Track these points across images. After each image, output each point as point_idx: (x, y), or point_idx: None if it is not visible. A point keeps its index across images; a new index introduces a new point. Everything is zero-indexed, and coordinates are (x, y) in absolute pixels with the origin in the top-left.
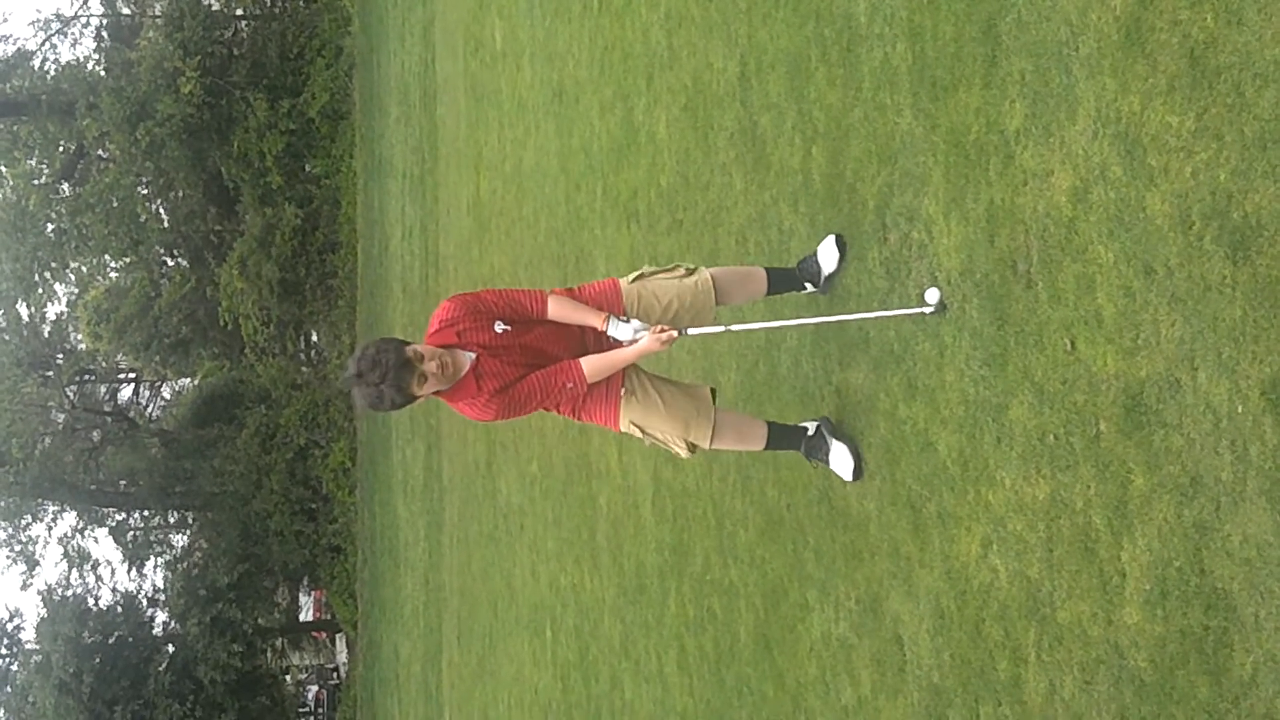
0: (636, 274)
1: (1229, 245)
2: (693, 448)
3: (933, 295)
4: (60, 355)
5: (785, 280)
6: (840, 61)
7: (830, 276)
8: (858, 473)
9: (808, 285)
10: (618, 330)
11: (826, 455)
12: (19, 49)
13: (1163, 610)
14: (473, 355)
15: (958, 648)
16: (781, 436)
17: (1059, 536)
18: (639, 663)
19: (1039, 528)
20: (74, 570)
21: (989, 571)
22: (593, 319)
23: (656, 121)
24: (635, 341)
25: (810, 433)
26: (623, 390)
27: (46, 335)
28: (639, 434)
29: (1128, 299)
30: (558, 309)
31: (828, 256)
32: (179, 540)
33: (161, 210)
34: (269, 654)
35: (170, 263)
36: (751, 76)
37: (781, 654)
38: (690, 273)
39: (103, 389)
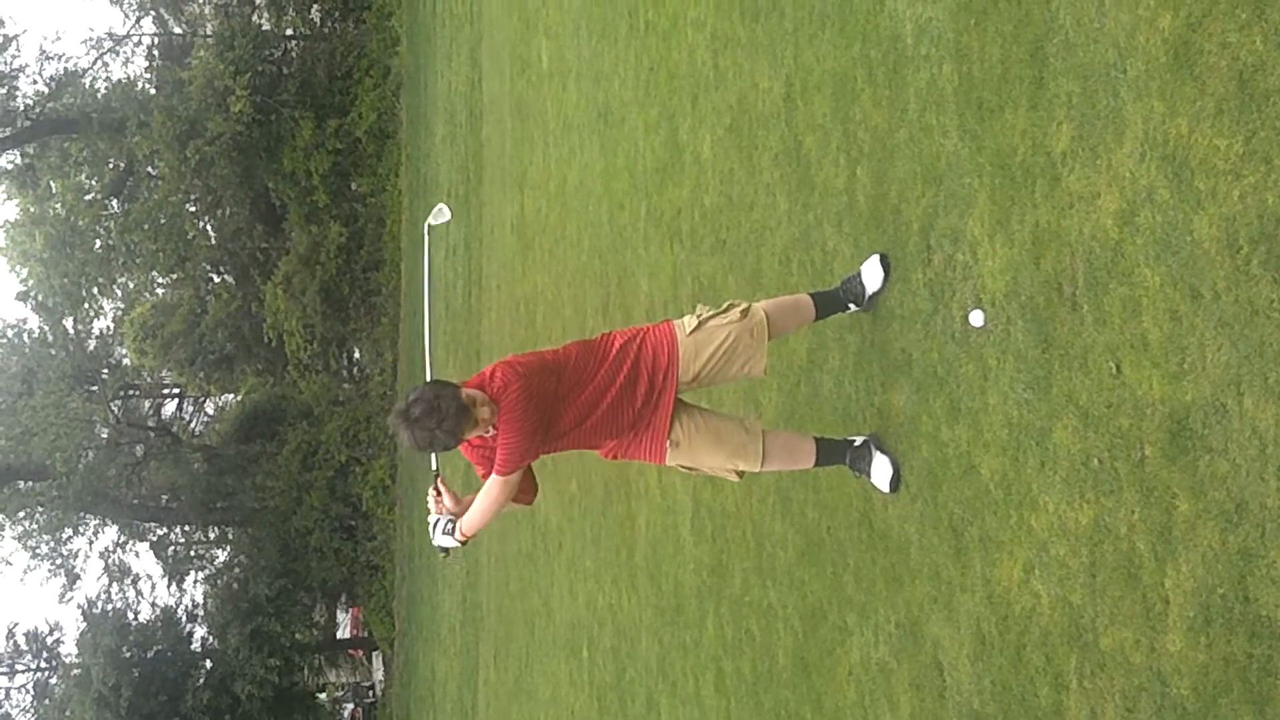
0: (695, 321)
1: (1277, 269)
2: (742, 474)
3: (977, 317)
4: (105, 370)
5: (831, 303)
6: (886, 83)
7: (875, 295)
8: (895, 484)
9: (851, 305)
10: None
11: (869, 467)
12: (71, 67)
13: (1206, 637)
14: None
15: (998, 674)
16: (829, 451)
17: (1102, 562)
18: (676, 684)
19: (1082, 553)
20: (114, 584)
21: (1031, 597)
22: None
23: (701, 142)
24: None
25: (856, 444)
26: (668, 443)
27: (92, 350)
28: (686, 471)
29: (1174, 323)
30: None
31: (872, 276)
32: (219, 556)
33: (209, 227)
34: (306, 671)
35: (216, 279)
36: (797, 97)
37: (820, 677)
38: (744, 313)
39: (146, 404)
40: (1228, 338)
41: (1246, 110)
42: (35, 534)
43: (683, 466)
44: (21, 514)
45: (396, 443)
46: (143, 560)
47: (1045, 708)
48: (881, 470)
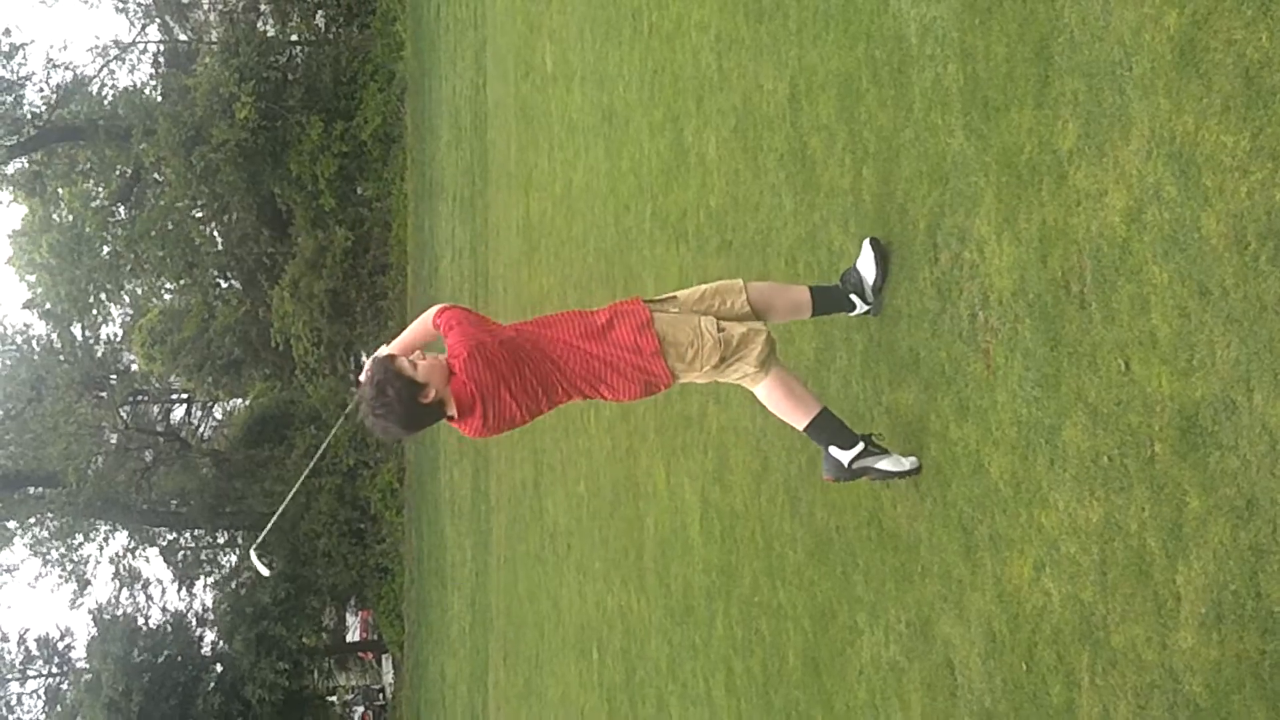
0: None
1: None
2: (755, 336)
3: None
4: (114, 376)
5: (831, 298)
6: (891, 82)
7: (878, 291)
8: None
9: (855, 301)
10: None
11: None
12: (78, 75)
13: (1218, 634)
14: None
15: (1010, 672)
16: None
17: (1113, 559)
18: (686, 685)
19: (1092, 550)
20: (124, 589)
21: (1042, 595)
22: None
23: (706, 143)
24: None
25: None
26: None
27: (100, 356)
28: (693, 355)
29: (1183, 320)
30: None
31: (866, 263)
32: (228, 560)
33: (216, 233)
34: (316, 674)
35: (224, 285)
36: (801, 98)
37: (830, 677)
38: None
39: (155, 409)
40: (1237, 334)
41: (1253, 106)
42: (47, 541)
43: (676, 347)
44: (32, 520)
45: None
46: (153, 565)
47: (1057, 706)
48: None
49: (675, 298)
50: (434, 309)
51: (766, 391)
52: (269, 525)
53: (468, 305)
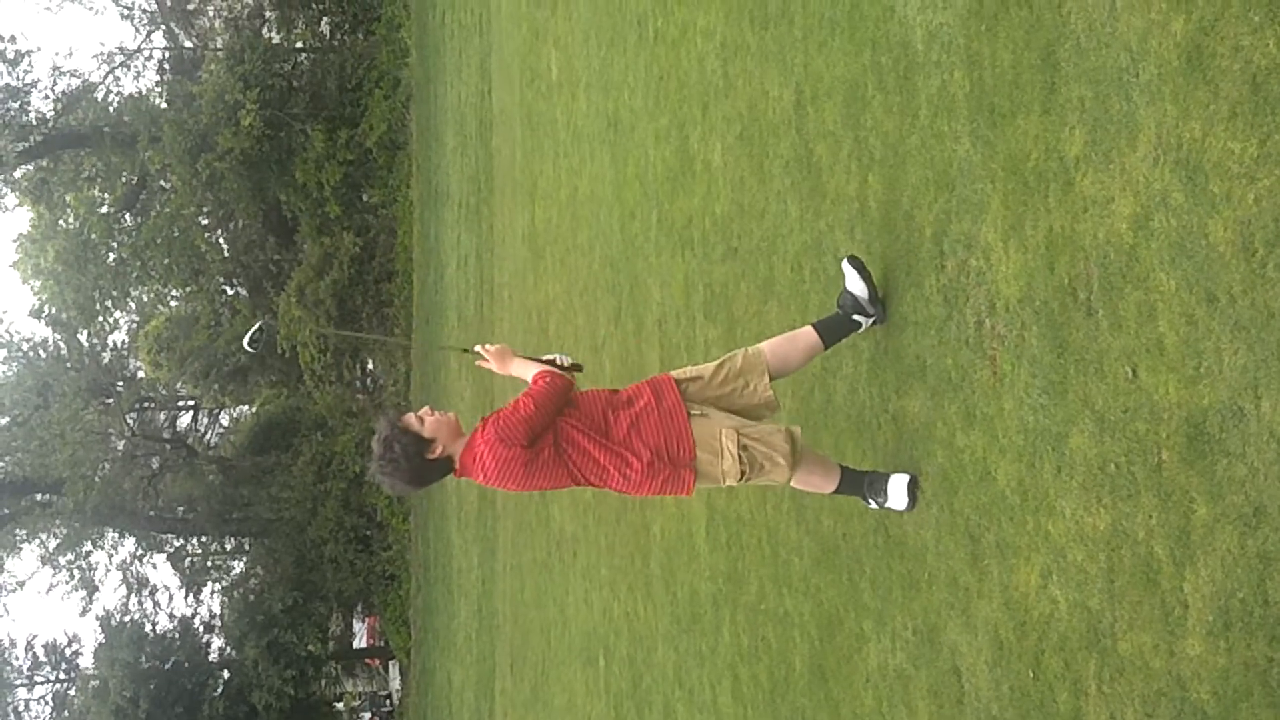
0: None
1: None
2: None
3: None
4: (120, 383)
5: (837, 327)
6: (897, 89)
7: (875, 300)
8: (912, 495)
9: (860, 319)
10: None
11: (886, 488)
12: (83, 82)
13: (1226, 642)
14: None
15: (1017, 679)
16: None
17: (1120, 567)
18: (693, 692)
19: (1100, 558)
20: (132, 596)
21: (1049, 602)
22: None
23: (712, 150)
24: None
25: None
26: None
27: (107, 363)
28: (730, 459)
29: (1190, 327)
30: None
31: (853, 282)
32: (235, 566)
33: (221, 240)
34: (323, 681)
35: (230, 292)
36: (807, 104)
37: (837, 685)
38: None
39: (162, 416)
40: (1244, 341)
41: (1260, 113)
42: (56, 549)
43: (713, 453)
44: (40, 529)
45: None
46: (160, 572)
47: (1064, 713)
48: (898, 490)
49: (701, 377)
50: (551, 376)
51: (797, 484)
52: (337, 332)
53: (475, 311)
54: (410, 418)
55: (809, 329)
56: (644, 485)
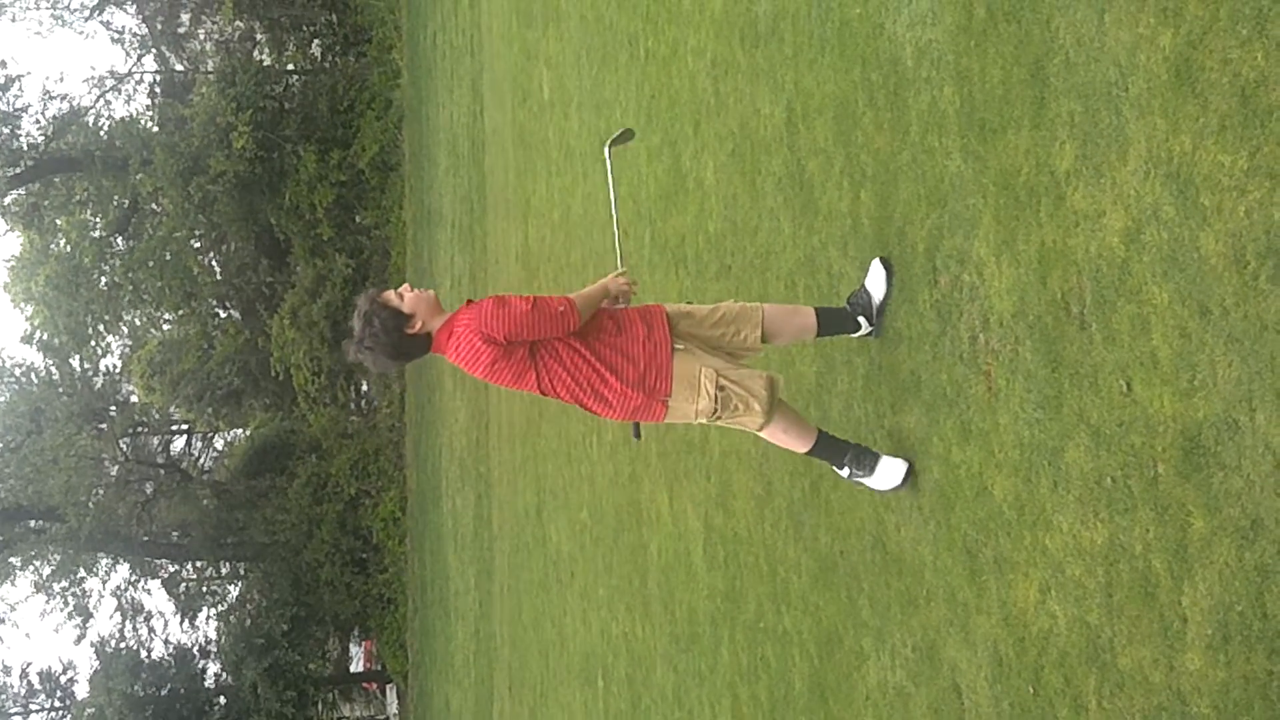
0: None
1: None
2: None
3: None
4: (113, 408)
5: (836, 320)
6: (888, 105)
7: (881, 309)
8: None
9: (861, 323)
10: None
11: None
12: (74, 106)
13: (1225, 655)
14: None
15: (1017, 696)
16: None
17: (1118, 581)
18: (692, 712)
19: (1098, 572)
20: (127, 622)
21: (1047, 618)
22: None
23: (704, 168)
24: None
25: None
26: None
27: (99, 388)
28: (705, 399)
29: (1183, 340)
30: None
31: (875, 282)
32: (231, 591)
33: (214, 263)
34: (320, 705)
35: (223, 315)
36: (798, 121)
37: (837, 703)
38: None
39: (155, 441)
40: (1238, 353)
41: (1250, 126)
42: (50, 576)
43: (690, 389)
44: (34, 556)
45: (404, 467)
46: (155, 597)
47: None
48: (891, 472)
49: (691, 314)
50: (568, 306)
51: (767, 435)
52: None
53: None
54: (390, 294)
55: (810, 310)
56: (616, 408)
